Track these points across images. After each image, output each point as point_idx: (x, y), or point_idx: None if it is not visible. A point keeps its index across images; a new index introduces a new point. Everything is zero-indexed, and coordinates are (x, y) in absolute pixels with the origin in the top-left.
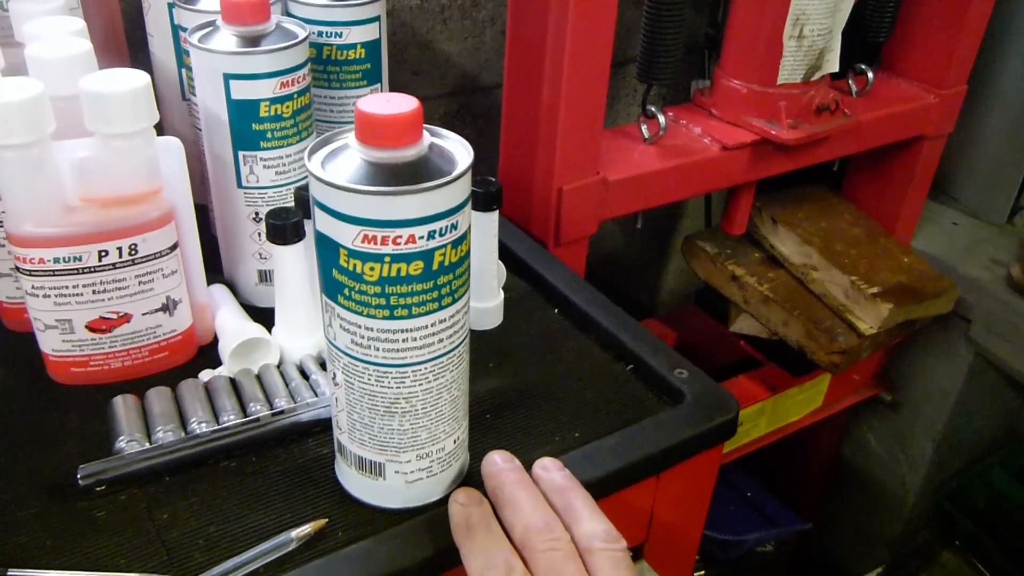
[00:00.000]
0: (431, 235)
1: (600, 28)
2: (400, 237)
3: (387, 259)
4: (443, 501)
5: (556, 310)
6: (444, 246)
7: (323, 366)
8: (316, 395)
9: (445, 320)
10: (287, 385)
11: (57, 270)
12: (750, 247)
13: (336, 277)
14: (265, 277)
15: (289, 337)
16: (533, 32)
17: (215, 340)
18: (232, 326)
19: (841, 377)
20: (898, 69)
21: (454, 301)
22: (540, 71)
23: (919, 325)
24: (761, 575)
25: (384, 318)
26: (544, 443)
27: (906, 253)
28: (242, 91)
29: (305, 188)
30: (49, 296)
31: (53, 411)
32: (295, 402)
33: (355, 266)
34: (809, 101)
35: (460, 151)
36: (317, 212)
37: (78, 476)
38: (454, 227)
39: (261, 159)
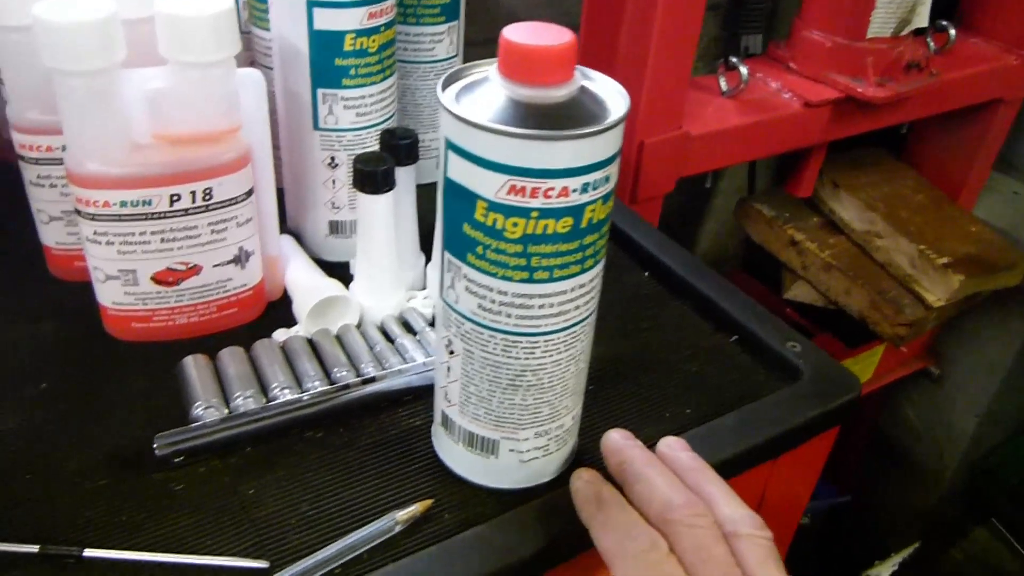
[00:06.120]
0: (584, 188)
1: None
2: (552, 189)
3: (534, 214)
4: (553, 482)
5: (646, 273)
6: (595, 200)
7: (407, 327)
8: (404, 360)
9: (585, 284)
10: (371, 348)
11: (124, 215)
12: (808, 211)
13: (468, 233)
14: (337, 228)
15: (371, 296)
16: None
17: (284, 296)
18: (307, 282)
19: (892, 349)
20: (976, 27)
21: (596, 263)
22: (620, 14)
23: (982, 297)
24: (799, 547)
25: (522, 280)
26: (654, 419)
27: (973, 222)
28: (326, 21)
29: (391, 131)
30: (113, 243)
31: (114, 370)
32: (382, 367)
33: (495, 221)
34: (899, 57)
35: (613, 95)
36: (451, 157)
37: (154, 445)
38: (607, 180)
39: (342, 98)
